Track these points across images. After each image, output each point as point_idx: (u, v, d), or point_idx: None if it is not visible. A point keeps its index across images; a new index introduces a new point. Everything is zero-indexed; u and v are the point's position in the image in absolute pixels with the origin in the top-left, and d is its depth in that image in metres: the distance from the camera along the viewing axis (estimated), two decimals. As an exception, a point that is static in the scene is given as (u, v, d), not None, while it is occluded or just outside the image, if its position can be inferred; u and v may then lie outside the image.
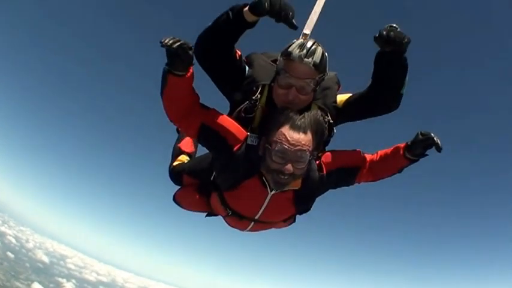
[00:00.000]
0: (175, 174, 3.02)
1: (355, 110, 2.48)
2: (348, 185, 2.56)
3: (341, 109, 2.44)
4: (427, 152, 2.36)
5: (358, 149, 2.52)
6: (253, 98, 2.30)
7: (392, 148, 2.49)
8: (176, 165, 3.09)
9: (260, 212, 2.42)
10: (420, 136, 2.31)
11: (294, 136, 2.02)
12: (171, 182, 3.03)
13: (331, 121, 2.34)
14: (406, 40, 2.05)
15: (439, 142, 2.25)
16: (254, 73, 2.36)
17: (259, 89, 2.31)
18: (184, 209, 3.01)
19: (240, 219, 2.56)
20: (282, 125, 2.05)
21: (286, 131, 2.03)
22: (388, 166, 2.53)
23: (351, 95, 2.50)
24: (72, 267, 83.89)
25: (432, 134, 2.28)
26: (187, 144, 3.25)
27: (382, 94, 2.33)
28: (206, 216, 2.95)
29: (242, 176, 2.25)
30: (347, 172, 2.45)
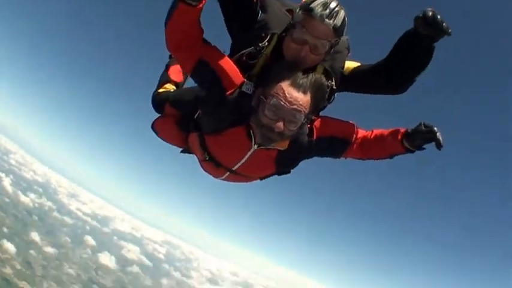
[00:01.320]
0: (159, 101, 2.94)
1: (360, 82, 2.40)
2: (334, 157, 2.48)
3: (346, 77, 2.35)
4: (425, 146, 2.24)
5: (352, 122, 2.39)
6: (260, 44, 2.20)
7: (390, 131, 2.35)
8: (161, 92, 3.01)
9: (239, 164, 2.35)
10: (423, 127, 2.17)
11: (293, 94, 1.95)
12: (153, 110, 2.99)
13: (334, 87, 2.24)
14: (448, 30, 1.98)
15: (440, 139, 2.12)
16: (267, 19, 2.24)
17: (269, 36, 2.21)
18: (161, 138, 2.98)
19: (216, 166, 2.50)
20: (283, 79, 1.97)
21: (286, 87, 1.95)
22: (381, 148, 2.39)
23: (359, 64, 2.42)
24: (13, 162, 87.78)
25: (435, 129, 2.14)
26: (176, 72, 3.11)
27: (396, 74, 2.25)
28: (181, 152, 2.93)
29: (228, 122, 2.17)
30: (337, 143, 2.34)
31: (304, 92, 1.95)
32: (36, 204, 65.55)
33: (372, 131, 2.40)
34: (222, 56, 2.14)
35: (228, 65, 2.10)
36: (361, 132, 2.38)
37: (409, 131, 2.22)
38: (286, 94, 1.92)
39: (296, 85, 1.94)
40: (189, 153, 2.80)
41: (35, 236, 49.17)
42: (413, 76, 2.24)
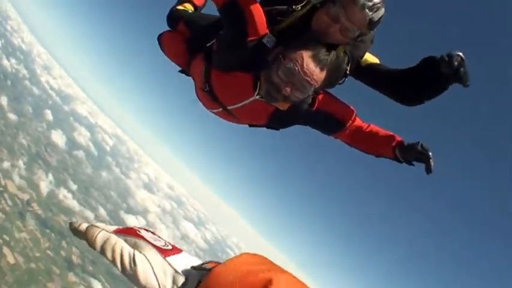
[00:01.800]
0: (174, 17, 2.96)
1: (373, 79, 2.45)
2: (325, 133, 2.50)
3: (362, 67, 2.40)
4: (414, 163, 2.22)
5: (353, 108, 2.43)
6: (294, 7, 2.25)
7: (386, 134, 2.39)
8: (179, 9, 3.01)
9: (235, 106, 2.39)
10: (419, 147, 2.14)
11: (310, 66, 2.00)
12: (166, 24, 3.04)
13: (348, 72, 2.27)
14: (467, 83, 2.02)
15: (431, 165, 2.10)
16: None
17: (304, 3, 2.25)
18: (164, 52, 3.02)
19: (212, 99, 2.50)
20: (306, 48, 2.02)
21: (306, 57, 2.01)
22: (372, 145, 2.43)
23: (378, 62, 2.47)
24: (9, 28, 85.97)
25: (430, 154, 2.12)
26: None
27: (407, 91, 2.31)
28: (180, 71, 2.95)
29: (239, 66, 2.21)
30: (332, 122, 2.39)
31: (322, 68, 2.02)
32: (14, 70, 65.86)
33: (369, 125, 2.43)
34: (255, 2, 2.14)
35: (258, 12, 2.12)
36: (358, 121, 2.41)
37: (404, 143, 2.23)
38: (304, 64, 1.98)
39: (316, 59, 2.00)
40: (187, 75, 2.82)
41: (3, 100, 50.26)
42: (422, 100, 2.28)
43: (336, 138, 2.48)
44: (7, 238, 31.59)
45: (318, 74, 2.00)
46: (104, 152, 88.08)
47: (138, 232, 0.89)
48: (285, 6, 2.24)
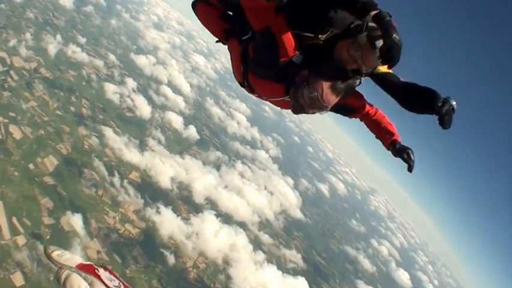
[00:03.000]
0: None
1: (383, 85, 2.78)
2: (342, 115, 3.05)
3: (374, 74, 2.73)
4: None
5: (362, 95, 2.97)
6: (320, 36, 2.57)
7: (388, 129, 2.99)
8: None
9: (270, 100, 2.99)
10: (405, 155, 2.77)
11: (329, 96, 2.43)
12: None
13: (361, 82, 2.65)
14: (446, 127, 2.41)
15: (412, 167, 2.72)
16: (335, 18, 2.46)
17: (329, 33, 2.55)
18: (199, 20, 3.34)
19: (250, 90, 3.03)
20: (326, 79, 2.41)
21: (326, 88, 2.41)
22: (374, 130, 3.06)
23: (389, 72, 2.75)
24: None
25: (412, 163, 2.73)
26: None
27: (409, 104, 2.67)
28: (216, 42, 3.31)
29: (273, 78, 2.66)
30: (348, 109, 2.96)
31: (338, 95, 2.44)
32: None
33: (376, 112, 3.02)
34: (286, 30, 2.39)
35: (288, 38, 2.41)
36: (367, 107, 2.98)
37: (397, 144, 2.86)
38: (324, 95, 2.40)
39: (334, 90, 2.41)
40: (224, 43, 3.17)
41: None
42: (413, 112, 2.64)
43: (351, 118, 3.10)
44: (13, 114, 33.66)
45: (334, 100, 2.45)
46: (113, 0, 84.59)
47: (96, 271, 1.06)
48: (312, 35, 2.56)
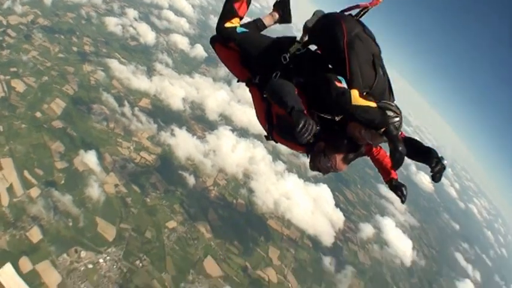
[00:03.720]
0: (225, 35, 3.38)
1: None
2: None
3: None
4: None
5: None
6: (335, 117, 3.00)
7: (387, 167, 3.48)
8: (228, 27, 3.38)
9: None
10: (399, 192, 3.35)
11: (341, 166, 2.96)
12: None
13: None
14: (436, 181, 2.94)
15: (404, 201, 3.30)
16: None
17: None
18: (218, 57, 3.60)
19: (274, 141, 3.41)
20: (340, 152, 2.92)
21: (339, 160, 2.93)
22: (376, 166, 3.56)
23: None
24: None
25: (405, 194, 3.30)
26: (242, 7, 3.43)
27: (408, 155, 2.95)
28: (238, 81, 3.58)
29: (296, 141, 2.71)
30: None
31: (348, 164, 2.97)
32: None
33: (379, 152, 3.48)
34: (304, 112, 2.58)
35: (311, 121, 2.55)
36: (373, 149, 3.43)
37: (394, 182, 3.41)
38: (337, 165, 2.92)
39: (346, 160, 2.93)
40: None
41: None
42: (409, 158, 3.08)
43: None
44: (15, 69, 33.49)
45: (345, 168, 2.96)
46: None
47: None
48: (329, 116, 2.95)
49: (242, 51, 3.32)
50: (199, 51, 53.68)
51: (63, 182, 27.77)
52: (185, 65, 50.06)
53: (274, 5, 3.85)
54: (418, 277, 53.03)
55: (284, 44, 3.27)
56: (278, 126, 3.12)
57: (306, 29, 3.31)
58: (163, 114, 38.88)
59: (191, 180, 35.06)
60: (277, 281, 33.20)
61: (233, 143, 41.56)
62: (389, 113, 2.72)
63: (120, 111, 36.02)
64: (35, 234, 23.88)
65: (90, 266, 24.49)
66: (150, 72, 42.87)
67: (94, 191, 28.63)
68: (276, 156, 46.98)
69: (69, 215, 26.02)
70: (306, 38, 3.29)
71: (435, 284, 61.54)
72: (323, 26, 3.10)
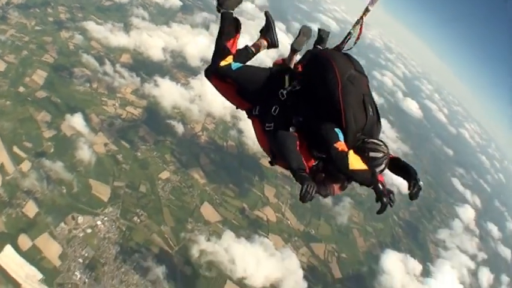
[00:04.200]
0: (222, 73, 3.59)
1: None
2: None
3: None
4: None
5: None
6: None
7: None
8: (224, 66, 3.58)
9: None
10: (385, 200, 3.14)
11: (338, 192, 3.32)
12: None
13: None
14: (413, 199, 3.33)
15: (382, 211, 3.16)
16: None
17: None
18: (216, 90, 3.81)
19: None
20: (337, 182, 3.26)
21: (336, 188, 3.29)
22: None
23: None
24: None
25: (387, 208, 3.20)
26: (234, 44, 3.69)
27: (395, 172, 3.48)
28: (236, 108, 3.88)
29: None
30: None
31: (344, 189, 3.32)
32: None
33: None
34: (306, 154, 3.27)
35: (310, 163, 3.31)
36: None
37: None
38: (335, 192, 3.28)
39: (342, 188, 3.29)
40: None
41: None
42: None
43: None
44: None
45: (341, 192, 3.32)
46: None
47: None
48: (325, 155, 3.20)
49: (239, 86, 3.53)
50: (174, 1, 52.57)
51: (52, 150, 27.94)
52: (161, 16, 48.97)
53: (260, 32, 4.01)
54: (417, 205, 53.29)
55: (280, 78, 3.50)
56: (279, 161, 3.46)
57: (295, 50, 3.93)
58: (144, 67, 38.35)
59: (179, 128, 34.68)
60: (276, 219, 32.90)
61: (217, 86, 40.00)
62: (377, 154, 3.13)
63: (102, 71, 35.73)
64: (30, 209, 24.17)
65: (89, 230, 24.74)
66: (127, 28, 42.16)
67: (84, 153, 28.69)
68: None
69: (62, 182, 26.19)
70: (296, 60, 3.94)
71: (435, 210, 61.86)
72: (316, 71, 3.30)
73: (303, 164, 3.10)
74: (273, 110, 3.37)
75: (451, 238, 58.50)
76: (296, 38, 4.06)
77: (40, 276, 21.74)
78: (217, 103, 37.51)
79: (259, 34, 3.96)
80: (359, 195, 43.63)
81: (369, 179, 2.99)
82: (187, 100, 37.01)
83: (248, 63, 3.76)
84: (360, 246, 37.30)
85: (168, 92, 36.03)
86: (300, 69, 3.78)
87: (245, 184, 34.03)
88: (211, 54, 3.60)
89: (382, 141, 3.16)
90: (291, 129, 3.29)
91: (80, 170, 27.53)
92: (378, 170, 3.10)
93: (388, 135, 69.26)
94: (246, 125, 37.62)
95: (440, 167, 74.07)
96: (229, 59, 3.57)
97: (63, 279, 22.23)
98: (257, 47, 3.92)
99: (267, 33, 3.90)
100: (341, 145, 3.03)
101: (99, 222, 25.50)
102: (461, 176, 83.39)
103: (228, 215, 31.64)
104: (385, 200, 2.96)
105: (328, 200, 39.45)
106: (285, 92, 3.39)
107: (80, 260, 23.35)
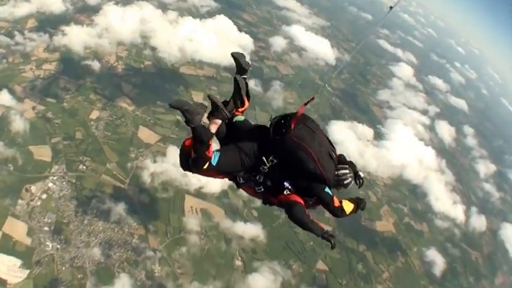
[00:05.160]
0: (203, 171, 3.84)
1: None
2: None
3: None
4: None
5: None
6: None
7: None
8: (205, 167, 3.75)
9: None
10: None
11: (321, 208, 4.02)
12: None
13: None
14: (359, 187, 4.28)
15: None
16: None
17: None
18: (201, 175, 4.05)
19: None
20: (322, 204, 3.99)
21: (321, 207, 3.99)
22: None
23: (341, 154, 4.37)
24: None
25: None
26: (210, 150, 3.77)
27: None
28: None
29: None
30: None
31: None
32: None
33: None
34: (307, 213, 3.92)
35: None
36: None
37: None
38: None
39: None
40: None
41: None
42: None
43: None
44: None
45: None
46: None
47: None
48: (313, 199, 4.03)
49: (222, 171, 3.96)
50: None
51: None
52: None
53: (209, 115, 4.15)
54: (348, 72, 52.57)
55: (258, 157, 3.91)
56: (279, 203, 4.01)
57: (239, 84, 4.26)
58: (49, 23, 37.89)
59: (96, 65, 34.71)
60: (210, 117, 31.72)
61: (120, 13, 40.28)
62: (348, 180, 4.06)
63: (13, 43, 35.52)
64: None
65: (44, 196, 25.07)
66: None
67: (18, 124, 29.03)
68: (163, 7, 46.03)
69: (7, 160, 26.40)
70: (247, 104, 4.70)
71: (369, 74, 59.84)
72: (294, 158, 3.80)
73: (321, 227, 3.88)
74: (257, 178, 3.96)
75: (394, 97, 57.71)
76: (237, 68, 4.38)
77: (19, 262, 21.98)
78: (124, 30, 37.84)
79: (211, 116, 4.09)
80: (286, 76, 43.48)
81: (356, 212, 4.26)
82: (96, 37, 36.72)
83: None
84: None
85: (76, 37, 35.93)
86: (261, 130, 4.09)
87: (172, 97, 33.48)
88: (191, 157, 3.79)
89: (344, 166, 4.10)
90: (285, 192, 3.91)
91: (19, 142, 27.80)
92: (351, 185, 4.08)
93: (300, 12, 67.62)
94: (157, 40, 38.80)
95: (361, 32, 72.12)
96: (208, 162, 3.80)
97: (38, 255, 22.62)
98: (215, 127, 4.03)
99: (216, 113, 4.02)
100: (336, 201, 3.97)
101: (50, 184, 25.86)
102: (386, 36, 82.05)
103: (166, 131, 31.63)
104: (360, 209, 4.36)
105: (259, 88, 39.91)
106: (266, 167, 3.88)
107: (46, 229, 23.66)
